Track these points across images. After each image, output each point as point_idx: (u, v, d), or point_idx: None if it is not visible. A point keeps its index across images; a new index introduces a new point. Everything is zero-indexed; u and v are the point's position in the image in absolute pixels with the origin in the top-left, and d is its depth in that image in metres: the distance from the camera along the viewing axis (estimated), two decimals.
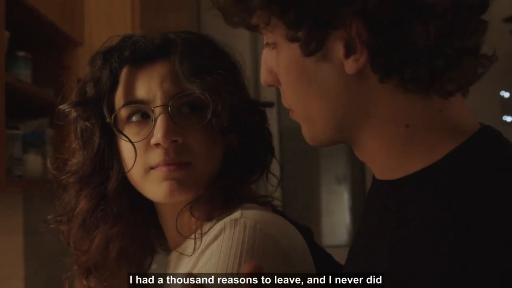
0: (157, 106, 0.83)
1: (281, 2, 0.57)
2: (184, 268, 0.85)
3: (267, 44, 0.64)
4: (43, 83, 2.17)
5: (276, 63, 0.63)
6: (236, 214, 0.80)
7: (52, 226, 0.93)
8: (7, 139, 1.88)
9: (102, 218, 0.89)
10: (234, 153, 0.87)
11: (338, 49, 0.58)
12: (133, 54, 0.87)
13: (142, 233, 0.92)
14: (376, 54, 0.56)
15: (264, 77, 0.66)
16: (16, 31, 1.93)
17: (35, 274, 2.24)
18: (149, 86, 0.85)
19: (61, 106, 0.89)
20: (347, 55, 0.57)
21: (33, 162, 2.07)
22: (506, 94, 2.83)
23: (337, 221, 3.19)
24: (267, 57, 0.65)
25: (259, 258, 0.74)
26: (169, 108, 0.83)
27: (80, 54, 2.37)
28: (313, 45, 0.57)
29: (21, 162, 2.00)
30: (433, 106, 0.60)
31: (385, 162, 0.62)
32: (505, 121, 2.80)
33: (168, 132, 0.82)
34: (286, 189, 2.99)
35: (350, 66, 0.58)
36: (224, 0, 0.61)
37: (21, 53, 2.02)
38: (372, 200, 0.68)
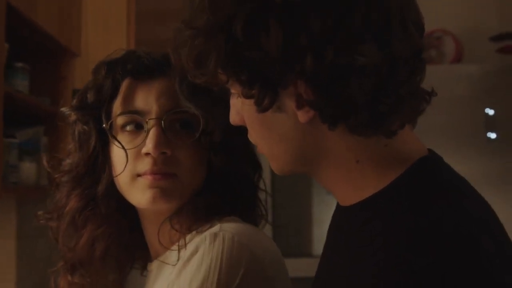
0: (152, 119, 0.89)
1: (234, 67, 0.64)
2: (166, 278, 0.90)
3: (232, 93, 0.71)
4: (40, 93, 2.21)
5: (241, 109, 0.70)
6: (215, 228, 0.85)
7: (42, 222, 0.98)
8: (4, 147, 1.92)
9: (90, 218, 0.94)
10: (219, 170, 0.92)
11: (290, 103, 0.65)
12: (136, 68, 0.93)
13: (127, 236, 0.97)
14: (321, 108, 0.63)
15: (232, 118, 0.73)
16: (14, 42, 1.97)
17: (26, 277, 2.27)
18: (146, 99, 0.91)
19: (62, 109, 0.95)
20: (298, 107, 0.64)
21: (28, 169, 2.10)
22: (490, 112, 2.87)
23: (327, 231, 3.22)
24: (235, 101, 0.72)
25: (237, 267, 0.80)
26: (162, 121, 0.89)
27: (76, 64, 2.42)
28: (266, 102, 0.64)
29: (16, 169, 2.03)
30: (379, 142, 0.66)
31: (343, 191, 0.70)
32: (489, 138, 2.84)
33: (159, 143, 0.87)
34: (278, 199, 3.03)
35: (302, 116, 0.65)
36: (186, 64, 0.68)
37: (19, 64, 2.05)
38: (336, 222, 0.75)
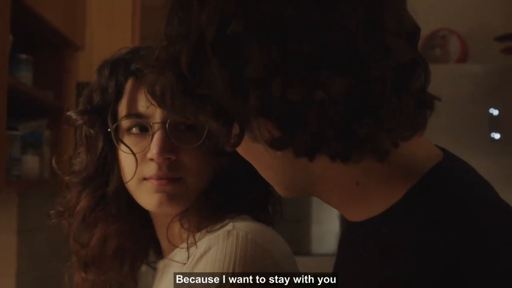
0: (156, 123, 0.88)
1: (190, 103, 0.59)
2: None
3: None
4: (43, 86, 2.21)
5: None
6: (228, 226, 0.85)
7: (53, 220, 0.98)
8: (7, 140, 1.92)
9: (102, 217, 0.94)
10: (225, 173, 0.91)
11: (261, 135, 0.58)
12: (139, 68, 0.90)
13: (138, 234, 0.97)
14: (288, 145, 0.56)
15: None
16: (18, 34, 1.97)
17: (27, 271, 2.27)
18: (150, 101, 0.88)
19: (68, 113, 0.94)
20: (267, 144, 0.57)
21: (30, 162, 2.10)
22: (495, 112, 2.87)
23: (326, 230, 3.22)
24: None
25: (251, 265, 0.79)
26: (166, 125, 0.87)
27: (80, 58, 2.42)
28: (234, 137, 0.59)
29: (19, 162, 2.03)
30: (376, 161, 0.58)
31: (348, 210, 0.65)
32: (493, 138, 2.83)
33: (163, 149, 0.86)
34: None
35: (274, 151, 0.58)
36: (151, 94, 0.64)
37: (23, 56, 2.05)
38: (346, 238, 0.70)
